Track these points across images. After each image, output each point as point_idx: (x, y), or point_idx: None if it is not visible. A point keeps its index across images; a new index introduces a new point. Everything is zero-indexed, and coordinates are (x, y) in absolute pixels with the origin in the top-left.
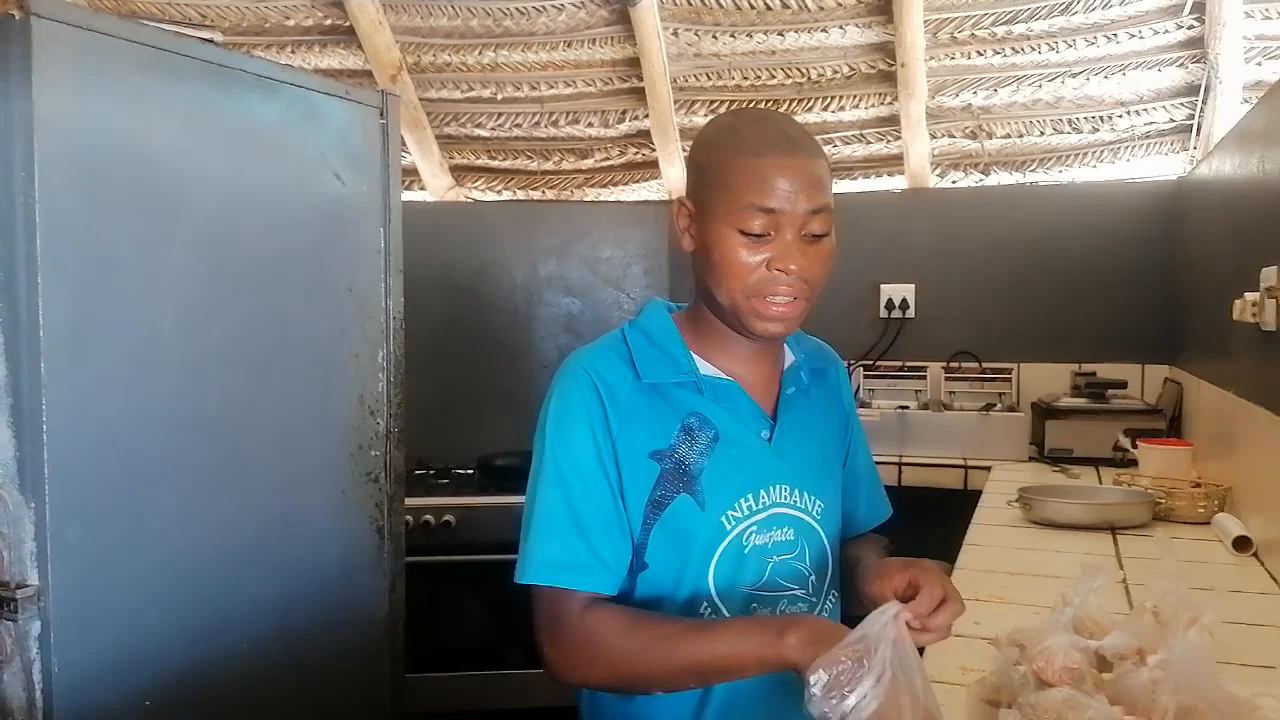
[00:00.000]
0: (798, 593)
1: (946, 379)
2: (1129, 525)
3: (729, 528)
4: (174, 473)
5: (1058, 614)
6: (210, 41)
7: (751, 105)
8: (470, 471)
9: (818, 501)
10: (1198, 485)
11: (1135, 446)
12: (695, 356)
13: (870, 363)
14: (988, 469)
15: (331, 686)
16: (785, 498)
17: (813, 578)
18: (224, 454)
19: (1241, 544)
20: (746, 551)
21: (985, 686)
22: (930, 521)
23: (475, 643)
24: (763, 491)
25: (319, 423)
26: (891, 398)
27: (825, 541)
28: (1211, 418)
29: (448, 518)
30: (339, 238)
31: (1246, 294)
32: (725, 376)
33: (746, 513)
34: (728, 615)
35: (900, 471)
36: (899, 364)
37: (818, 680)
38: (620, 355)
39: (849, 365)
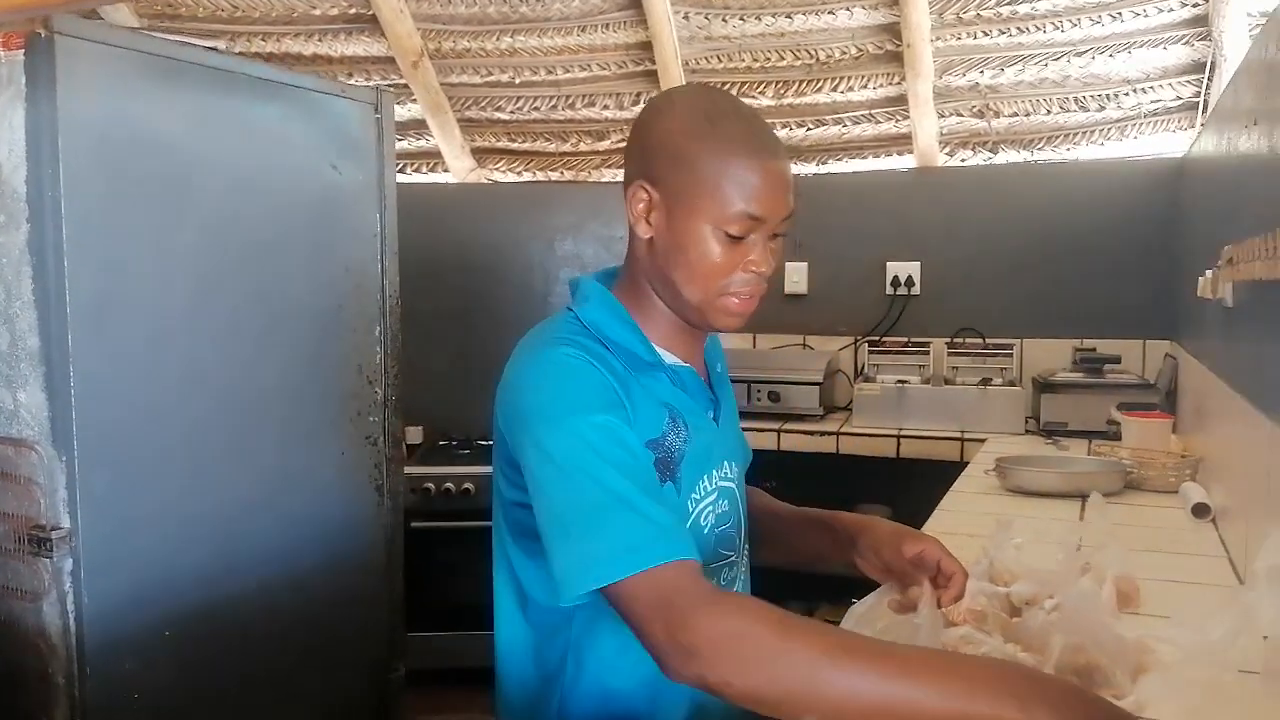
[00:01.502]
0: (732, 558)
1: (950, 355)
2: (1105, 493)
3: (692, 510)
4: (187, 430)
5: (976, 565)
6: (215, 49)
7: (722, 85)
8: (489, 443)
9: (737, 467)
10: (1184, 458)
11: None
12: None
13: (876, 339)
14: (983, 441)
15: (335, 629)
16: (726, 472)
17: (741, 541)
18: (232, 415)
19: (1200, 510)
20: (705, 531)
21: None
22: (924, 492)
23: (488, 603)
24: (714, 471)
25: (320, 389)
26: (895, 373)
27: (741, 504)
28: (1193, 391)
29: (467, 485)
30: (336, 223)
31: (1208, 270)
32: (683, 362)
33: (703, 494)
34: None
35: (898, 444)
36: (904, 340)
37: None
38: (593, 341)
39: (855, 342)
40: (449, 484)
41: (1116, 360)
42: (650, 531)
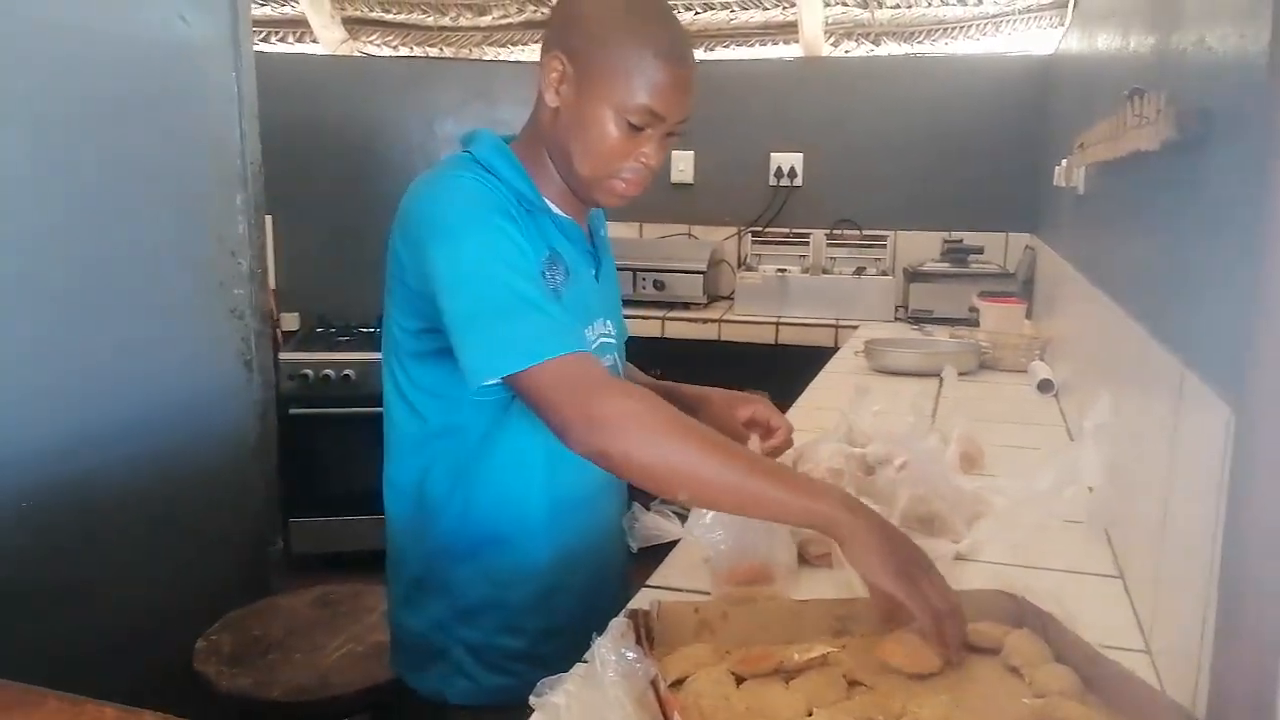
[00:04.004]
0: None
1: (828, 245)
2: (961, 372)
3: None
4: (29, 290)
5: (835, 429)
6: None
7: None
8: (371, 329)
9: (615, 329)
10: (1034, 339)
11: None
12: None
13: (759, 229)
14: (856, 328)
15: (207, 505)
16: (606, 330)
17: None
18: (78, 277)
19: (1045, 386)
20: None
21: None
22: (800, 377)
23: (371, 488)
24: (595, 323)
25: (176, 257)
26: (776, 263)
27: (621, 365)
28: (1047, 279)
29: (347, 372)
30: (188, 80)
31: (1064, 159)
32: (569, 216)
33: (585, 345)
34: None
35: (777, 331)
36: (786, 230)
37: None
38: (487, 174)
39: (739, 232)
40: (328, 370)
41: (980, 251)
42: (554, 326)
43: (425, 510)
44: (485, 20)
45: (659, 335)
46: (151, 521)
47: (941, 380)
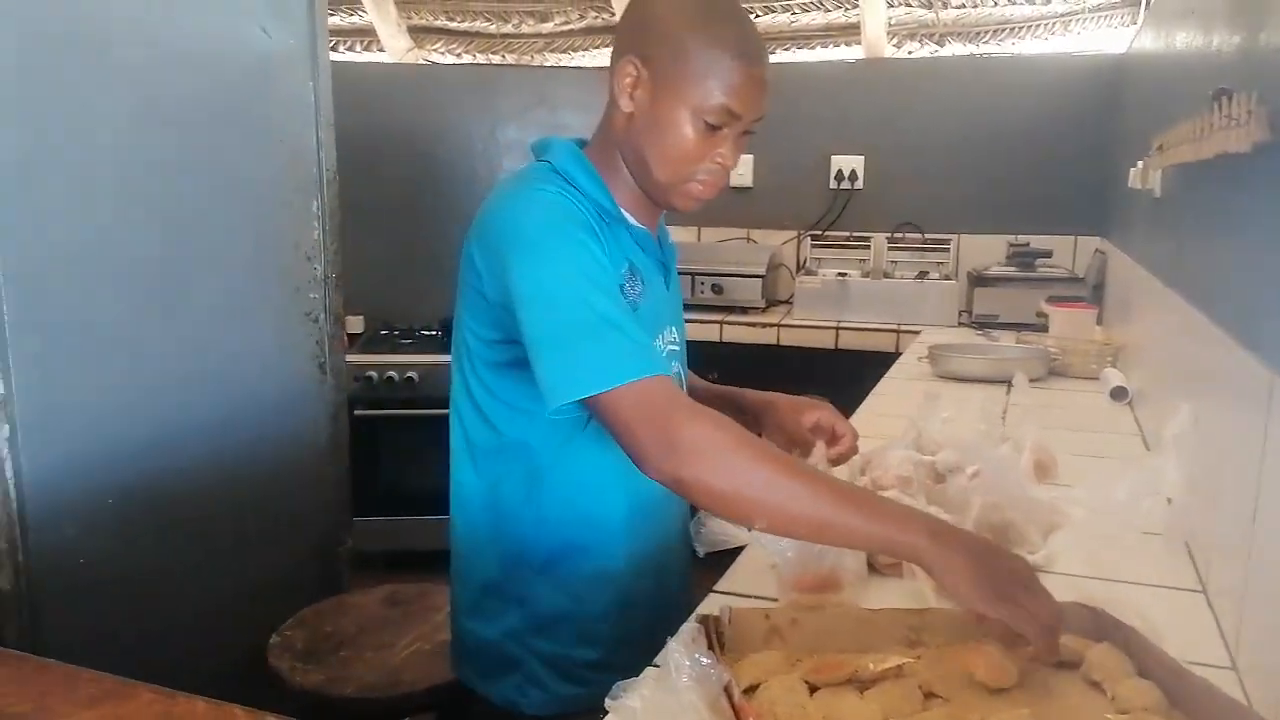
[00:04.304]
0: None
1: (890, 249)
2: (1030, 378)
3: None
4: (120, 297)
5: (904, 435)
6: None
7: None
8: (434, 332)
9: (680, 336)
10: (1106, 345)
11: None
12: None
13: (818, 233)
14: (918, 333)
15: (281, 504)
16: (672, 338)
17: None
18: (166, 284)
19: (1119, 394)
20: None
21: None
22: (860, 382)
23: (434, 489)
24: (664, 333)
25: (256, 263)
26: (836, 267)
27: (684, 372)
28: (1120, 284)
29: (410, 374)
30: (268, 91)
31: (1140, 161)
32: (641, 225)
33: (663, 366)
34: None
35: (837, 335)
36: (846, 234)
37: None
38: (567, 186)
39: (798, 236)
40: (391, 372)
41: (1048, 255)
42: (634, 349)
43: (498, 519)
44: (547, 27)
45: (717, 340)
46: (229, 519)
47: (1009, 387)
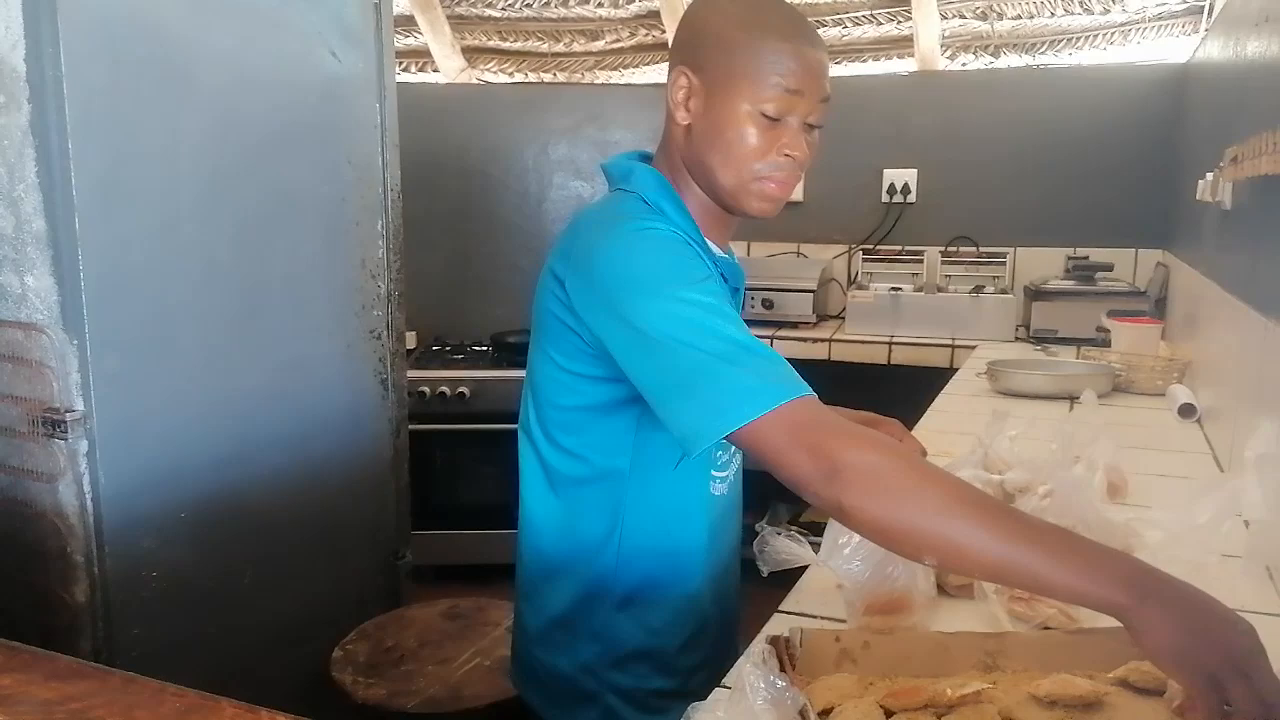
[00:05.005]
0: (734, 449)
1: (943, 263)
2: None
3: None
4: (196, 315)
5: (971, 454)
6: None
7: None
8: (485, 348)
9: None
10: (1172, 361)
11: None
12: None
13: (870, 247)
14: (974, 348)
15: (346, 516)
16: None
17: None
18: (240, 302)
19: (1187, 411)
20: None
21: None
22: (914, 398)
23: (484, 503)
24: None
25: (325, 281)
26: (889, 281)
27: None
28: (1185, 298)
29: (462, 389)
30: (337, 113)
31: (1208, 174)
32: (721, 251)
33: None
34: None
35: (890, 350)
36: (898, 248)
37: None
38: (663, 219)
39: (849, 250)
40: (444, 388)
41: (1109, 268)
42: (777, 371)
43: (575, 550)
44: (598, 45)
45: None
46: (296, 532)
47: (1073, 404)
